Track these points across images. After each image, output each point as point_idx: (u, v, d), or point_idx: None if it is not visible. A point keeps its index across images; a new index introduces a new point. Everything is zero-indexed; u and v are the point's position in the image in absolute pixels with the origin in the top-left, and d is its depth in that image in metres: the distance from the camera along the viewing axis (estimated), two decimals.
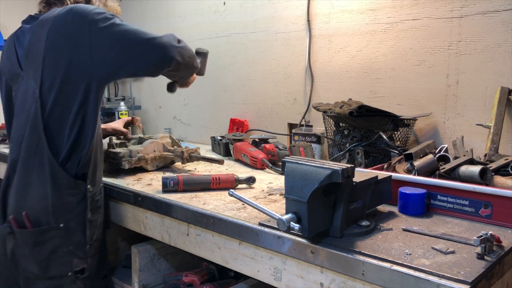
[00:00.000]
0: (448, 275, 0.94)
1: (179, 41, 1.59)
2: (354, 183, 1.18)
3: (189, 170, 2.02)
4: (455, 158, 1.52)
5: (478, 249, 1.04)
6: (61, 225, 1.52)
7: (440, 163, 1.50)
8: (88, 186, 1.57)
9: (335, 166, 1.10)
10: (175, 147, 2.10)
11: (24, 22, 1.63)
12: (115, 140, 2.04)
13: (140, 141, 2.11)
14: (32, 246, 1.51)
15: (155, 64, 1.53)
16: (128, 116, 3.04)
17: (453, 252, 1.06)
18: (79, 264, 1.56)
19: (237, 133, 2.44)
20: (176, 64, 1.56)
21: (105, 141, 1.96)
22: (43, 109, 1.49)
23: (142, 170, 1.98)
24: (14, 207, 1.55)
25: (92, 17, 1.46)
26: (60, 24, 1.47)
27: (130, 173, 1.95)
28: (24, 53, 1.55)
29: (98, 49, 1.46)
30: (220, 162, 1.94)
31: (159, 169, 2.03)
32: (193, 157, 2.00)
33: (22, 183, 1.54)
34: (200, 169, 2.06)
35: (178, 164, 2.11)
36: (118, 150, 1.93)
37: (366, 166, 1.72)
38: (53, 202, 1.51)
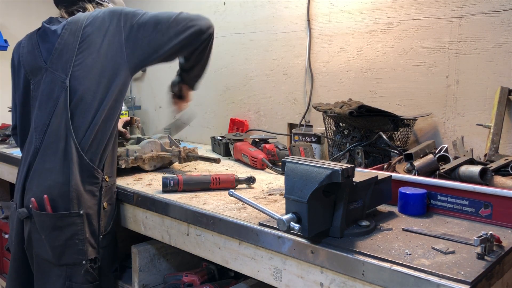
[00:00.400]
0: (448, 275, 0.94)
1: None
2: (354, 183, 1.18)
3: (189, 171, 2.02)
4: (455, 158, 1.52)
5: (478, 249, 1.04)
6: (81, 211, 1.57)
7: (440, 163, 1.50)
8: (105, 176, 1.65)
9: (335, 166, 1.10)
10: (173, 147, 2.10)
11: (46, 22, 1.74)
12: None
13: (138, 141, 2.11)
14: (51, 231, 1.55)
15: (197, 31, 1.69)
16: (128, 116, 3.05)
17: (453, 252, 1.06)
18: (92, 253, 1.60)
19: (237, 133, 2.44)
20: (209, 37, 1.76)
21: None
22: (71, 98, 1.59)
23: (141, 170, 1.98)
24: (34, 192, 1.60)
25: (126, 14, 1.63)
26: (95, 23, 1.63)
27: (129, 173, 1.95)
28: (53, 48, 1.65)
29: (136, 38, 1.62)
30: (216, 161, 1.95)
31: (157, 169, 2.03)
32: (190, 156, 2.01)
33: (44, 168, 1.60)
34: (200, 169, 2.06)
35: (176, 164, 2.11)
36: None
37: (366, 166, 1.72)
38: (76, 188, 1.57)
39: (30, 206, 1.58)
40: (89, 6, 1.78)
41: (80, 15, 1.70)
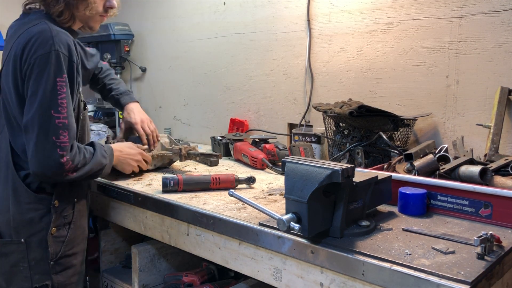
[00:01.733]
0: (448, 275, 0.94)
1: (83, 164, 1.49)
2: (354, 183, 1.18)
3: (189, 171, 2.02)
4: (455, 158, 1.52)
5: (478, 249, 1.04)
6: (22, 240, 1.48)
7: (440, 163, 1.50)
8: (55, 201, 1.51)
9: (335, 166, 1.10)
10: (173, 146, 2.10)
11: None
12: (112, 140, 2.04)
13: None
14: None
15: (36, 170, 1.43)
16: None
17: (453, 252, 1.06)
18: (41, 280, 1.51)
19: (237, 133, 2.44)
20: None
21: (102, 141, 1.96)
22: (8, 117, 1.50)
23: (141, 169, 1.98)
24: None
25: (35, 62, 1.40)
26: (18, 46, 1.43)
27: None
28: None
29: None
30: (217, 156, 1.96)
31: (157, 169, 2.03)
32: (191, 154, 2.00)
33: None
34: (200, 169, 2.06)
35: (176, 164, 2.11)
36: None
37: (366, 166, 1.72)
38: (14, 216, 1.49)
39: None
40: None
41: (25, 23, 1.51)
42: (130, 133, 2.07)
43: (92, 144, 1.61)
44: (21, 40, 1.44)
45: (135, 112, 2.01)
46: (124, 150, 1.80)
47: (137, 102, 2.08)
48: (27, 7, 1.57)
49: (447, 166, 1.45)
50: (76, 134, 1.52)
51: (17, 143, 1.49)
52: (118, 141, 1.95)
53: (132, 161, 1.82)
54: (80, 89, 1.59)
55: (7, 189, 1.50)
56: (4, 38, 1.71)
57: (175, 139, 2.26)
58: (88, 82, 2.03)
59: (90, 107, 3.19)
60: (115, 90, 2.04)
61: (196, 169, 2.05)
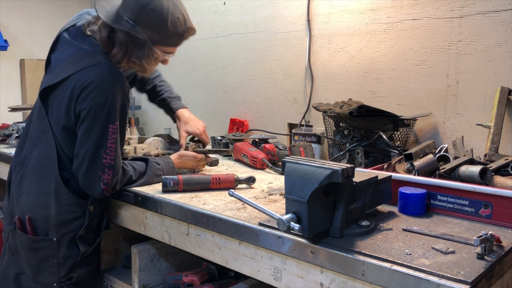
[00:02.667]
0: (448, 275, 0.94)
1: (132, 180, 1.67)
2: (354, 183, 1.18)
3: (189, 170, 2.02)
4: (455, 158, 1.52)
5: (478, 249, 1.04)
6: (54, 238, 1.58)
7: (440, 163, 1.50)
8: (91, 207, 1.62)
9: (335, 166, 1.10)
10: (176, 144, 2.11)
11: (66, 31, 1.64)
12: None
13: (140, 140, 2.12)
14: (27, 250, 1.60)
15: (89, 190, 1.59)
16: (128, 116, 3.04)
17: (453, 252, 1.06)
18: (66, 274, 1.62)
19: (237, 133, 2.44)
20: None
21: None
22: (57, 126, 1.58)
23: None
24: (22, 209, 1.62)
25: (91, 108, 1.49)
26: (77, 84, 1.50)
27: None
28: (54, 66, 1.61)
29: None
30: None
31: None
32: (198, 152, 2.00)
33: (34, 188, 1.61)
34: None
35: None
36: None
37: (366, 166, 1.72)
38: (54, 215, 1.58)
39: (15, 220, 1.62)
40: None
41: (87, 52, 1.56)
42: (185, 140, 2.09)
43: (146, 161, 1.72)
44: (81, 78, 1.50)
45: (193, 120, 2.05)
46: (183, 156, 1.88)
47: (187, 108, 2.10)
48: (88, 29, 1.59)
49: (447, 166, 1.45)
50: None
51: (67, 149, 1.58)
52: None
53: (193, 162, 1.90)
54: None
55: (50, 187, 1.58)
56: (5, 38, 1.74)
57: (176, 139, 2.26)
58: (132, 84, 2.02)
59: None
60: (166, 93, 2.07)
61: (196, 169, 2.04)
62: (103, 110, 1.50)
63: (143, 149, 1.98)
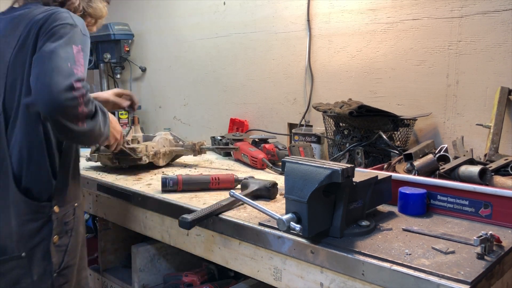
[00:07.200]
0: (448, 275, 0.94)
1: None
2: (354, 183, 1.18)
3: (189, 170, 2.02)
4: (455, 158, 1.52)
5: (478, 249, 1.04)
6: (23, 254, 1.32)
7: (440, 163, 1.50)
8: (54, 207, 1.36)
9: (335, 166, 1.10)
10: (180, 142, 2.12)
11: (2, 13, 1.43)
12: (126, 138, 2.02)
13: (146, 138, 2.12)
14: None
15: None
16: (128, 116, 3.05)
17: (453, 252, 1.06)
18: None
19: (237, 133, 2.44)
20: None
21: None
22: (6, 122, 1.32)
23: (140, 168, 1.99)
24: None
25: (53, 29, 1.25)
26: (36, 25, 1.28)
27: (129, 172, 1.95)
28: None
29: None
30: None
31: (167, 165, 2.05)
32: (203, 149, 2.00)
33: None
34: (200, 169, 2.06)
35: (179, 161, 2.11)
36: (134, 145, 1.92)
37: (366, 166, 1.72)
38: (16, 228, 1.32)
39: None
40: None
41: (28, 11, 1.35)
42: None
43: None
44: (38, 20, 1.29)
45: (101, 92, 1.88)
46: (113, 120, 1.58)
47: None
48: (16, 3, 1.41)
49: (447, 166, 1.45)
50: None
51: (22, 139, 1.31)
52: None
53: (116, 134, 1.60)
54: None
55: (8, 200, 1.33)
56: None
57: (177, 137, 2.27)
58: None
59: None
60: None
61: (196, 169, 2.05)
62: (65, 29, 1.26)
63: (153, 147, 1.99)
